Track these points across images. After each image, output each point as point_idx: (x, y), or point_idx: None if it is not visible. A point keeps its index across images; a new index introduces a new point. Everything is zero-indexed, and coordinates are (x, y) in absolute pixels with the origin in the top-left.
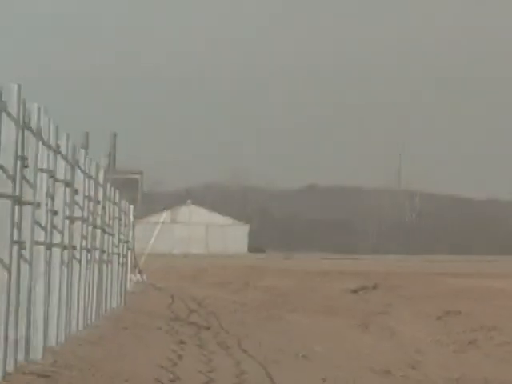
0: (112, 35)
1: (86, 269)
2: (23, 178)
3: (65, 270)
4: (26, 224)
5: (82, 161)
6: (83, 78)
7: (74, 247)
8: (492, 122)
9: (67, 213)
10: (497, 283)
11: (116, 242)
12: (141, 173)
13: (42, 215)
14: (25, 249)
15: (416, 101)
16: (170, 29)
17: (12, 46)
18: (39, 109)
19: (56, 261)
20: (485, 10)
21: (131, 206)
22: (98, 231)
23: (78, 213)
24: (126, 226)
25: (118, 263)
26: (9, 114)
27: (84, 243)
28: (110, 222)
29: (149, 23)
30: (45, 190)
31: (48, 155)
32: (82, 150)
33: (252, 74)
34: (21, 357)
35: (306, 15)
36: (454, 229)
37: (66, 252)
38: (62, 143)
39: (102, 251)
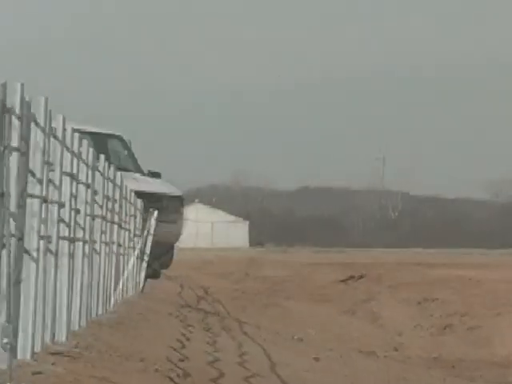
0: (121, 45)
1: (105, 260)
2: (49, 180)
3: (86, 261)
4: (52, 221)
5: (101, 165)
6: (92, 83)
7: (94, 241)
8: (463, 129)
9: (88, 211)
10: (469, 273)
11: (132, 236)
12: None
13: (66, 213)
14: (51, 243)
15: (396, 111)
16: (168, 34)
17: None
18: (64, 119)
19: (78, 253)
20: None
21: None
22: (116, 227)
23: (97, 211)
24: (140, 222)
25: (134, 255)
26: (37, 124)
27: (103, 238)
28: (127, 219)
29: (157, 35)
30: (68, 191)
31: (71, 160)
32: (101, 156)
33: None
34: (47, 339)
35: (289, 22)
36: (431, 225)
37: (87, 245)
38: (84, 150)
39: (119, 245)
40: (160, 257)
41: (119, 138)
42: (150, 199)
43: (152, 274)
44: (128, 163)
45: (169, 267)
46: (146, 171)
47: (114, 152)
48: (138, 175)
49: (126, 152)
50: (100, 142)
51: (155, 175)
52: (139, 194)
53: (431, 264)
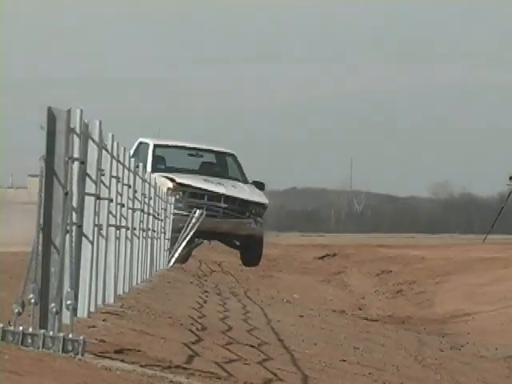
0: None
1: (143, 243)
2: (101, 182)
3: (128, 243)
4: (103, 213)
5: (140, 170)
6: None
7: (134, 228)
8: (412, 143)
9: (130, 205)
10: (416, 252)
11: (163, 224)
12: None
13: (113, 207)
14: (102, 229)
15: (363, 131)
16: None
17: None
18: (112, 136)
19: (122, 237)
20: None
21: None
22: (151, 217)
23: (137, 205)
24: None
25: (164, 239)
26: (92, 140)
27: (141, 225)
28: (159, 211)
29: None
30: (115, 190)
31: (117, 167)
32: (140, 164)
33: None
34: (99, 301)
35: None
36: (387, 217)
37: (129, 231)
38: (126, 159)
39: (153, 231)
40: (249, 250)
41: (233, 156)
42: (239, 203)
43: (248, 262)
44: (237, 174)
45: (260, 258)
46: (251, 181)
47: (230, 165)
48: (239, 184)
49: (236, 166)
50: (221, 157)
51: (258, 185)
52: (231, 198)
53: (387, 245)
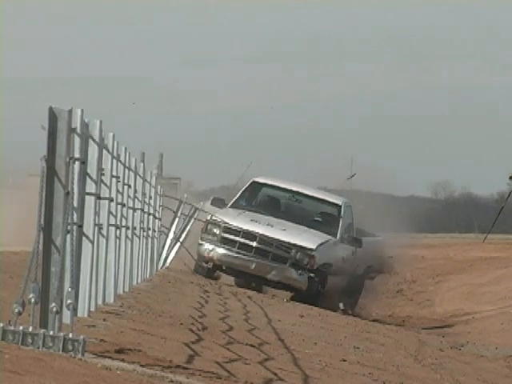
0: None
1: (143, 242)
2: (101, 181)
3: (129, 243)
4: (104, 212)
5: (140, 170)
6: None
7: (134, 228)
8: (410, 144)
9: (130, 205)
10: (416, 252)
11: (161, 224)
12: (179, 178)
13: (114, 207)
14: (102, 229)
15: (362, 133)
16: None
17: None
18: (113, 136)
19: (123, 237)
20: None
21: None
22: (151, 217)
23: (137, 205)
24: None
25: (166, 239)
26: (93, 140)
27: (141, 225)
28: (159, 211)
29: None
30: (115, 190)
31: (117, 167)
32: (141, 164)
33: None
34: (99, 301)
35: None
36: (387, 216)
37: (129, 231)
38: (127, 159)
39: (153, 230)
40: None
41: (336, 205)
42: (276, 246)
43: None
44: (328, 225)
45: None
46: (347, 236)
47: (327, 215)
48: (297, 227)
49: (334, 216)
50: (321, 205)
51: (355, 241)
52: (267, 239)
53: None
